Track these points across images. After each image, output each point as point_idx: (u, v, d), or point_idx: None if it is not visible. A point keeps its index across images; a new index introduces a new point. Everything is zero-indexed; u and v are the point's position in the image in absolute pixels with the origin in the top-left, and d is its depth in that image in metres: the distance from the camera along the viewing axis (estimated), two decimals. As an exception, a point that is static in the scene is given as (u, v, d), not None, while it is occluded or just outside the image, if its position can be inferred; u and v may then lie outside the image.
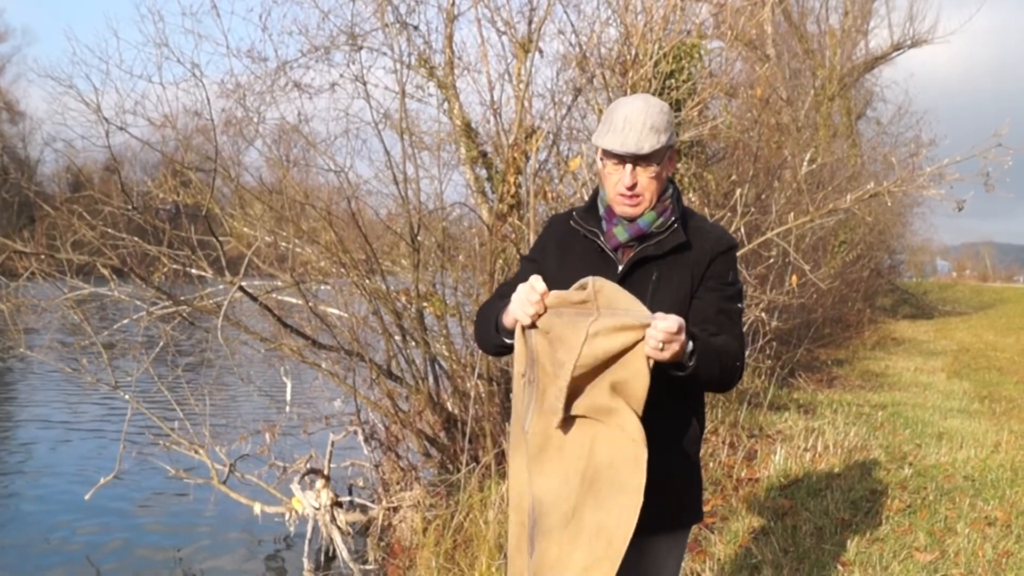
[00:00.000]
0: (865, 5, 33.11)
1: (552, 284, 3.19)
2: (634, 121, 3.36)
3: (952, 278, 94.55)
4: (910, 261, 56.45)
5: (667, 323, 2.99)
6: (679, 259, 3.42)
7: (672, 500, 3.44)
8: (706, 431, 5.93)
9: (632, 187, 3.41)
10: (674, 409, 3.43)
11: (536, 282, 3.14)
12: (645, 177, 3.39)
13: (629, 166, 3.39)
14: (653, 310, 3.19)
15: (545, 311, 3.14)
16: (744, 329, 3.50)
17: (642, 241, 3.45)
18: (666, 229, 3.44)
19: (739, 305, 3.48)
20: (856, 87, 33.51)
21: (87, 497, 8.83)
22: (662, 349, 3.00)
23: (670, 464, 3.38)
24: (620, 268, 3.47)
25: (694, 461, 3.58)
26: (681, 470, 3.51)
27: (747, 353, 3.26)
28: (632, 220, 3.47)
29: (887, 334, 28.28)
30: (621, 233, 3.48)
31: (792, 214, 9.12)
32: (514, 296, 3.20)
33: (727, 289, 3.42)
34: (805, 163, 10.52)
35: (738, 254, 3.91)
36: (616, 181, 3.43)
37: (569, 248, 3.62)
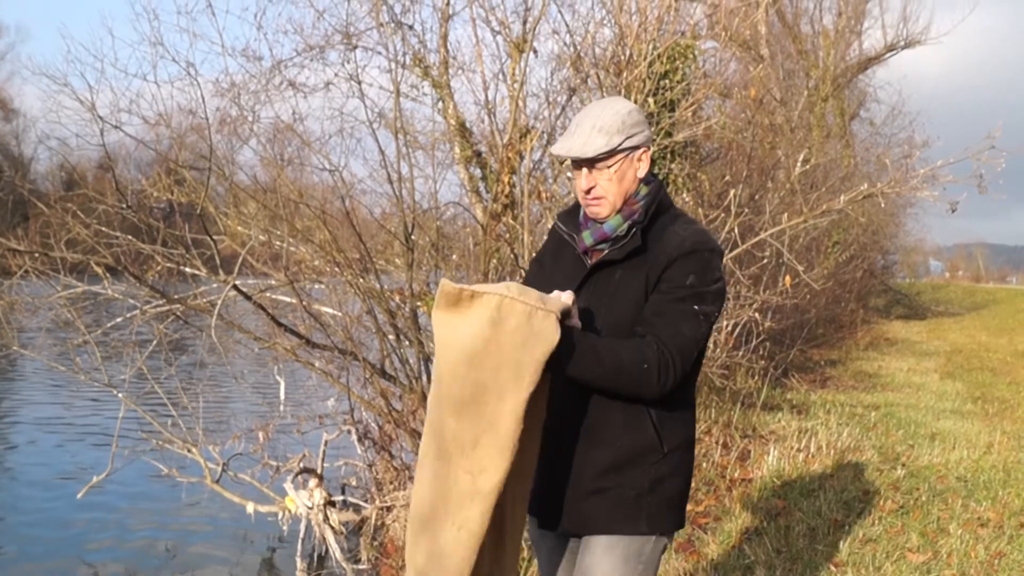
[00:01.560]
0: (859, 6, 33.15)
1: (540, 285, 3.22)
2: (582, 124, 3.43)
3: (945, 279, 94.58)
4: (903, 261, 56.47)
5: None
6: (639, 263, 3.40)
7: (605, 503, 3.42)
8: (699, 431, 5.93)
9: (589, 190, 3.46)
10: (607, 409, 3.37)
11: None
12: (603, 179, 3.43)
13: (584, 169, 3.44)
14: (610, 314, 3.34)
15: None
16: (694, 334, 3.29)
17: (611, 245, 3.47)
18: (627, 233, 3.44)
19: (694, 307, 3.30)
20: (850, 88, 33.55)
21: (79, 496, 8.81)
22: None
23: (602, 463, 3.40)
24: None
25: (646, 469, 3.42)
26: (617, 473, 3.41)
27: (671, 359, 2.92)
28: (601, 223, 3.50)
29: (880, 335, 28.29)
30: (588, 237, 3.52)
31: (786, 215, 9.13)
32: None
33: (678, 291, 3.31)
34: (799, 164, 10.53)
35: (731, 255, 3.87)
36: (577, 185, 3.48)
37: (560, 250, 3.67)
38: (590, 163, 3.41)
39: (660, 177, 3.59)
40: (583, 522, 3.46)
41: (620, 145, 3.38)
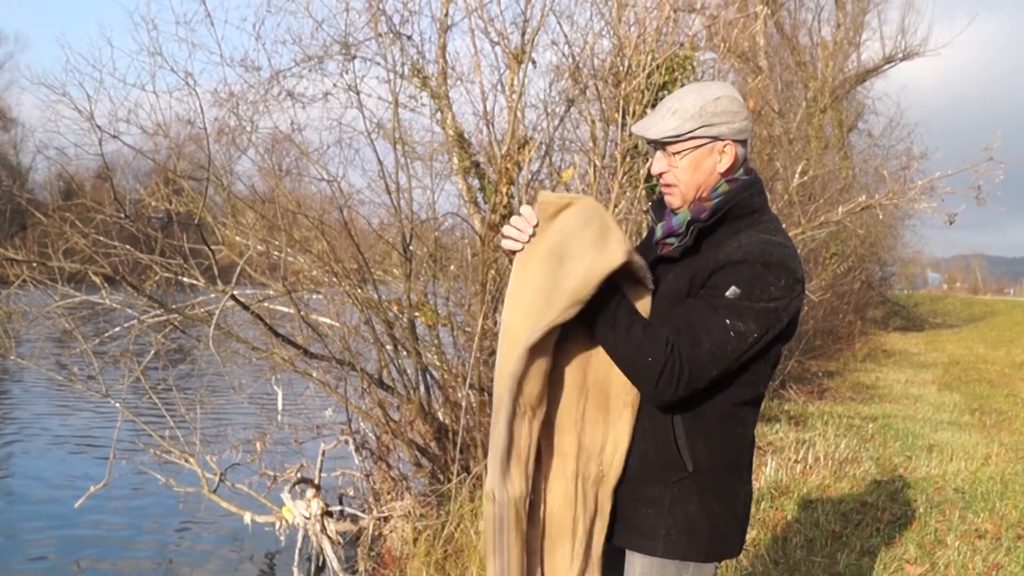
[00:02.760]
0: (857, 18, 33.18)
1: None
2: (663, 105, 3.26)
3: (943, 291, 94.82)
4: (901, 273, 56.56)
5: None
6: (690, 265, 3.19)
7: (622, 513, 3.30)
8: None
9: (661, 175, 3.30)
10: (640, 414, 3.26)
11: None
12: (676, 166, 3.25)
13: (659, 152, 3.28)
14: (653, 312, 3.18)
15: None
16: (717, 350, 3.03)
17: (678, 240, 3.27)
18: (686, 232, 3.23)
19: (726, 320, 3.03)
20: (848, 99, 33.56)
21: (76, 505, 8.78)
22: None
23: (637, 481, 3.28)
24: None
25: (666, 486, 3.22)
26: (635, 484, 3.27)
27: (679, 368, 2.80)
28: (675, 214, 3.33)
29: (878, 346, 28.33)
30: (659, 229, 3.36)
31: (784, 226, 9.13)
32: None
33: (715, 300, 3.06)
34: (797, 175, 10.53)
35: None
36: (652, 167, 3.33)
37: (649, 237, 3.53)
38: (664, 146, 3.25)
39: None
40: (613, 531, 3.36)
41: (693, 131, 3.18)
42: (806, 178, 11.41)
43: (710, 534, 3.23)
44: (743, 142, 3.27)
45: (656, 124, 3.23)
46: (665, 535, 3.20)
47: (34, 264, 8.45)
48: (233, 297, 8.25)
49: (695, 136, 3.19)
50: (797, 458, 10.28)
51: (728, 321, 3.03)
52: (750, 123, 3.30)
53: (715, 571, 3.32)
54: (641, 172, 8.79)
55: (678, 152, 3.23)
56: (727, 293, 3.05)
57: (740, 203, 3.22)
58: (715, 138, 3.20)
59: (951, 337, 35.70)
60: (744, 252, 3.07)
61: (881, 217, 14.06)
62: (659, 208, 3.46)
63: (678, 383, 3.02)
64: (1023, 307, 63.38)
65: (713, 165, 3.22)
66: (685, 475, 3.19)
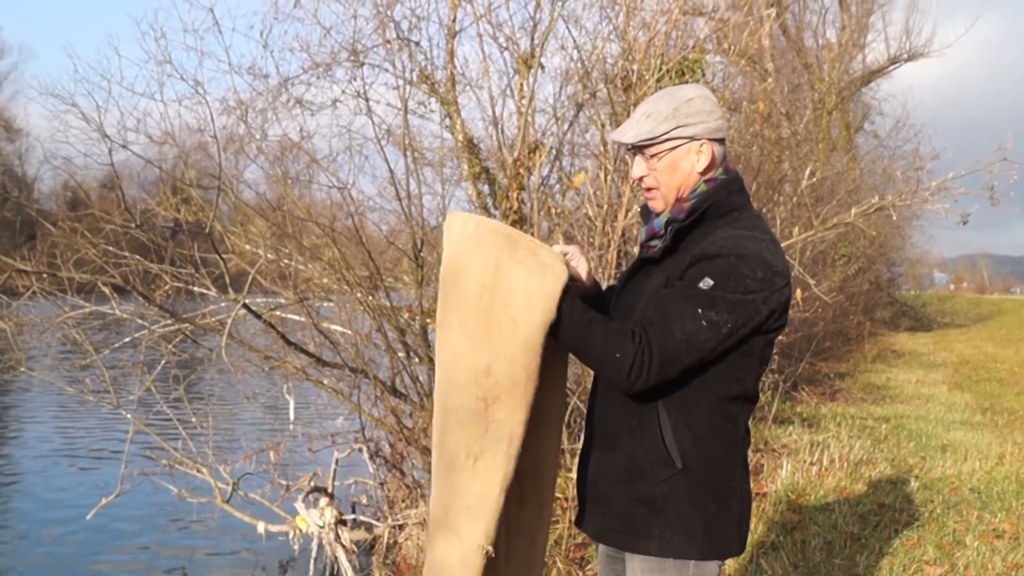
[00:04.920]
0: (862, 19, 33.21)
1: None
2: (638, 109, 3.31)
3: (950, 290, 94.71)
4: (908, 273, 56.47)
5: None
6: (669, 263, 3.22)
7: (614, 513, 3.28)
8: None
9: (641, 179, 3.34)
10: (626, 412, 3.24)
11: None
12: (655, 168, 3.28)
13: (637, 157, 3.32)
14: (634, 315, 3.19)
15: None
16: (688, 338, 3.01)
17: (660, 241, 3.30)
18: (666, 232, 3.27)
19: (697, 309, 3.02)
20: (854, 101, 33.57)
21: (89, 517, 8.76)
22: None
23: (614, 470, 3.28)
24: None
25: (656, 484, 3.19)
26: (625, 483, 3.24)
27: (648, 357, 2.76)
28: (657, 217, 3.36)
29: (887, 347, 28.30)
30: (643, 232, 3.40)
31: (796, 228, 9.11)
32: None
33: (687, 291, 3.06)
34: (806, 177, 10.51)
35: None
36: (631, 172, 3.38)
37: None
38: (642, 150, 3.28)
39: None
40: (599, 531, 3.36)
41: (668, 133, 3.21)
42: (815, 179, 11.39)
43: (704, 533, 3.21)
44: (720, 141, 3.30)
45: (632, 128, 3.28)
46: (659, 533, 3.19)
47: (44, 275, 8.44)
48: (245, 306, 8.23)
49: (671, 137, 3.23)
50: (812, 460, 10.24)
51: (700, 310, 3.03)
52: (726, 122, 3.33)
53: (719, 570, 3.30)
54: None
55: (656, 154, 3.26)
56: (699, 284, 3.05)
57: (718, 202, 3.25)
58: (691, 138, 3.23)
59: (960, 337, 35.64)
60: (719, 246, 3.09)
61: (894, 218, 14.03)
62: (645, 215, 3.48)
63: (649, 371, 3.02)
64: (1031, 306, 63.42)
65: (691, 165, 3.26)
66: (675, 472, 3.17)
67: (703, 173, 3.27)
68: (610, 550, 3.52)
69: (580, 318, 3.10)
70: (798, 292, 10.46)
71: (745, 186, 3.40)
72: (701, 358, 3.06)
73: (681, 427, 3.17)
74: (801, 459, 10.30)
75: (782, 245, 8.87)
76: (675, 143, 3.23)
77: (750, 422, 3.44)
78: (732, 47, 9.93)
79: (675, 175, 3.27)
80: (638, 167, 3.33)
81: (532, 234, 8.28)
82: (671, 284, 3.14)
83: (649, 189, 3.34)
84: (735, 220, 3.23)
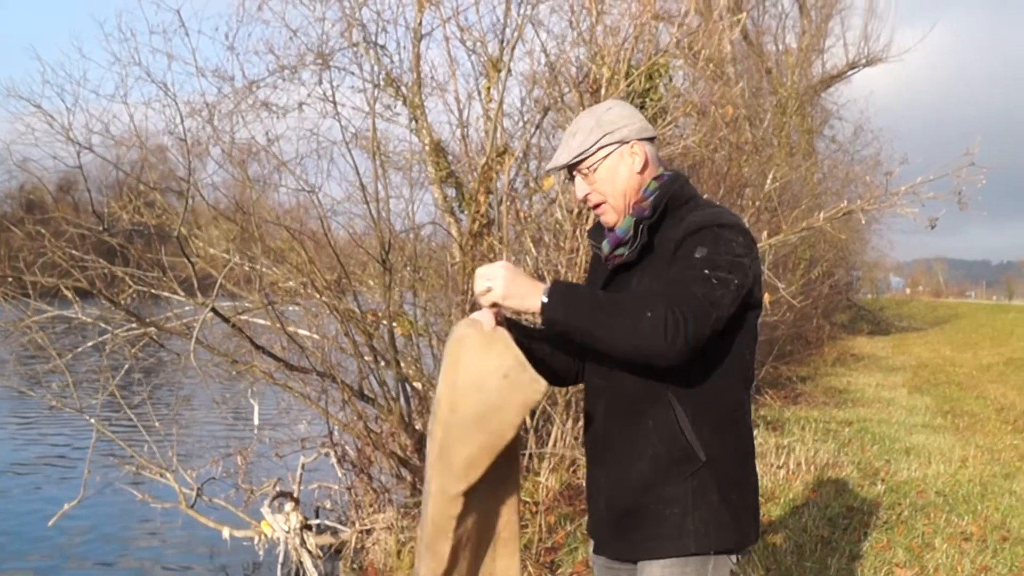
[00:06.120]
0: (821, 24, 33.43)
1: None
2: (566, 134, 3.36)
3: (906, 294, 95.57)
4: (865, 277, 56.90)
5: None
6: (651, 260, 3.23)
7: (647, 524, 3.23)
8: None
9: (585, 199, 3.38)
10: (640, 418, 3.22)
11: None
12: (593, 183, 3.33)
13: (578, 178, 3.37)
14: None
15: None
16: (707, 296, 2.99)
17: (627, 248, 3.29)
18: (636, 233, 3.26)
19: (704, 271, 3.02)
20: (813, 105, 33.76)
21: (51, 523, 8.67)
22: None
23: (639, 479, 3.23)
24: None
25: (684, 481, 3.17)
26: (654, 488, 3.20)
27: (681, 315, 2.71)
28: (613, 229, 3.36)
29: (846, 350, 28.51)
30: (606, 246, 3.37)
31: (765, 232, 9.13)
32: None
33: (688, 262, 3.06)
34: (769, 181, 10.54)
35: None
36: (575, 197, 3.43)
37: (596, 265, 3.58)
38: (578, 169, 3.33)
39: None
40: (630, 548, 3.29)
41: (597, 142, 3.26)
42: (777, 184, 11.43)
43: (733, 523, 3.22)
44: (650, 140, 3.36)
45: (563, 151, 3.34)
46: (694, 530, 3.16)
47: (10, 279, 8.34)
48: (214, 310, 8.16)
49: (601, 146, 3.28)
50: (779, 463, 10.29)
51: (707, 271, 3.03)
52: (649, 124, 3.39)
53: (735, 564, 3.30)
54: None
55: (592, 167, 3.31)
56: (696, 254, 3.06)
57: (675, 195, 3.28)
58: (620, 142, 3.29)
59: (917, 340, 35.96)
60: (700, 221, 3.13)
61: (863, 222, 14.13)
62: (597, 233, 3.49)
63: (686, 329, 2.92)
64: (986, 310, 64.22)
65: (629, 168, 3.31)
66: (700, 465, 3.16)
67: (642, 173, 3.33)
68: (613, 562, 3.47)
69: (602, 296, 3.08)
70: (767, 296, 10.50)
71: (689, 181, 3.44)
72: (721, 315, 3.03)
73: (699, 420, 3.18)
74: (768, 462, 10.34)
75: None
76: (607, 150, 3.29)
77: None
78: (699, 52, 9.95)
79: (616, 182, 3.32)
80: (580, 187, 3.38)
81: (501, 239, 8.27)
82: (661, 275, 3.13)
83: (597, 205, 3.38)
84: (697, 206, 3.28)
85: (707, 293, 3.00)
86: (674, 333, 2.91)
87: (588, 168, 3.31)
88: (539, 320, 3.03)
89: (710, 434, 3.18)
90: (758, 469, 8.09)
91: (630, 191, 3.31)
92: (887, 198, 8.39)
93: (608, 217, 3.37)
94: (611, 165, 3.30)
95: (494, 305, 3.09)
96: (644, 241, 3.23)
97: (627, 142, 3.29)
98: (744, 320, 3.20)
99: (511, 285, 3.03)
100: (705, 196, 3.52)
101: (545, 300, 2.98)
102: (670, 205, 3.26)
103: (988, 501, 9.14)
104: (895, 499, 9.07)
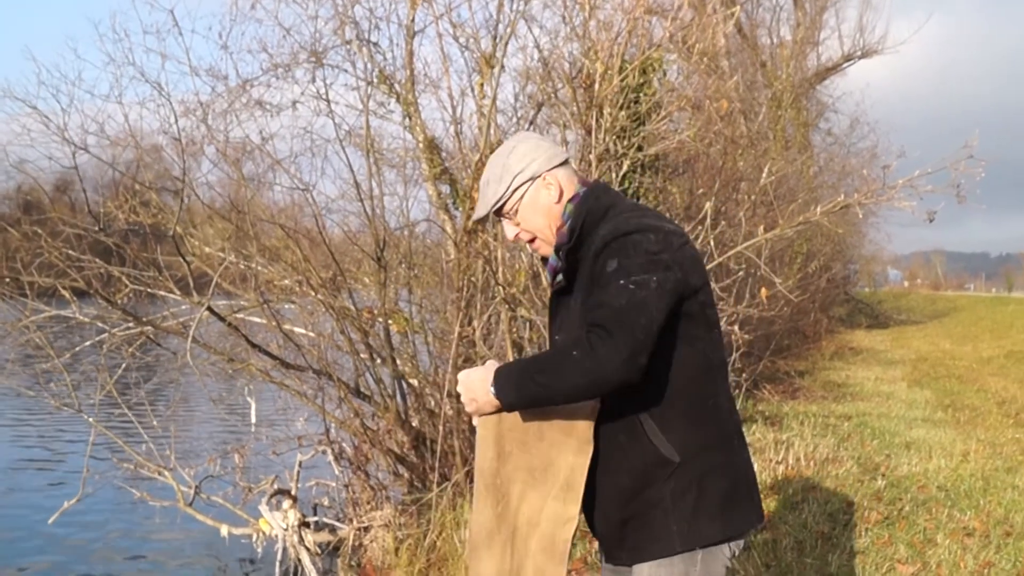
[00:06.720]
0: (816, 17, 33.41)
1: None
2: (482, 184, 3.46)
3: (904, 287, 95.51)
4: (863, 270, 56.91)
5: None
6: (581, 283, 3.28)
7: (636, 530, 3.27)
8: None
9: (516, 238, 3.49)
10: (614, 433, 3.25)
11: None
12: (519, 223, 3.44)
13: (504, 221, 3.49)
14: (566, 336, 3.31)
15: None
16: (626, 302, 2.97)
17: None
18: (561, 260, 3.38)
19: (619, 282, 3.01)
20: (808, 98, 33.73)
21: (50, 521, 8.64)
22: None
23: (622, 490, 3.27)
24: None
25: (662, 484, 3.19)
26: (637, 496, 3.23)
27: (601, 331, 2.70)
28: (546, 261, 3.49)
29: (844, 344, 28.47)
30: (547, 277, 3.56)
31: (761, 227, 9.09)
32: None
33: (601, 279, 3.09)
34: (764, 175, 10.51)
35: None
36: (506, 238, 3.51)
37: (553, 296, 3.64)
38: (501, 214, 3.45)
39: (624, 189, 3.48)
40: (626, 554, 3.34)
41: (509, 186, 3.36)
42: (773, 177, 11.39)
43: (719, 513, 3.23)
44: (563, 164, 3.44)
45: (482, 202, 3.45)
46: (678, 529, 3.19)
47: (7, 279, 8.32)
48: (210, 309, 8.14)
49: (515, 187, 3.38)
50: (778, 459, 10.25)
51: (621, 281, 3.03)
52: (557, 146, 3.51)
53: (732, 553, 3.31)
54: (616, 177, 8.75)
55: (512, 209, 3.42)
56: (608, 269, 3.08)
57: (591, 210, 3.33)
58: (532, 178, 3.38)
59: (916, 334, 35.91)
60: (603, 239, 3.16)
61: (860, 216, 14.08)
62: (544, 264, 3.66)
63: (615, 343, 2.91)
64: (985, 303, 64.03)
65: (548, 198, 3.39)
66: (675, 466, 3.18)
67: (560, 201, 3.40)
68: (619, 568, 3.51)
69: (524, 367, 3.15)
70: (763, 291, 10.46)
71: (610, 187, 3.53)
72: (652, 318, 2.99)
73: (665, 422, 3.18)
74: (767, 458, 10.31)
75: (746, 244, 8.88)
76: (521, 191, 3.39)
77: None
78: (693, 46, 9.92)
79: (539, 215, 3.41)
80: (509, 230, 3.49)
81: (495, 236, 8.24)
82: (588, 290, 3.19)
83: (530, 242, 3.49)
84: (614, 216, 3.29)
85: (628, 301, 3.00)
86: (607, 355, 2.92)
87: (510, 211, 3.42)
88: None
89: (683, 433, 3.20)
90: (756, 465, 8.03)
91: (553, 221, 3.40)
92: (884, 192, 8.34)
93: (544, 250, 3.47)
94: (529, 202, 3.40)
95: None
96: (566, 267, 3.34)
97: (538, 176, 3.38)
98: (687, 310, 3.17)
99: (468, 392, 3.21)
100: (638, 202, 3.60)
101: (494, 392, 3.10)
102: (587, 223, 3.31)
103: (990, 496, 9.09)
104: (896, 494, 9.04)
